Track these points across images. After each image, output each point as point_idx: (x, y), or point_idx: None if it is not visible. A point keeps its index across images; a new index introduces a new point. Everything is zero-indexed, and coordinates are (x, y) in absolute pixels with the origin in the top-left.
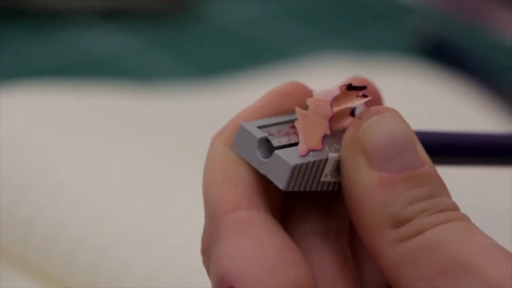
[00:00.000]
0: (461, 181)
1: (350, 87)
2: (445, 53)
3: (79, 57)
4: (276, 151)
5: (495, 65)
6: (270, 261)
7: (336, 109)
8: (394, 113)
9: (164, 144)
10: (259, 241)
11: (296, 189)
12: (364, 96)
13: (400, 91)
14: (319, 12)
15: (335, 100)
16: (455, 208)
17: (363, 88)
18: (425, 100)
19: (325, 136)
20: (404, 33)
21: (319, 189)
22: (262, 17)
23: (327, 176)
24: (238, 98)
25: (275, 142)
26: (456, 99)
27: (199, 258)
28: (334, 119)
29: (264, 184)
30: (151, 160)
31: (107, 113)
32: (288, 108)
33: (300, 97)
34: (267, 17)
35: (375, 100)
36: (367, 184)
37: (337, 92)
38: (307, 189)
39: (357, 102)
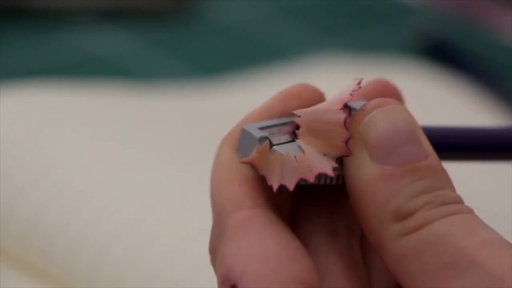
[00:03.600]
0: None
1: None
2: (445, 53)
3: (79, 57)
4: (274, 147)
5: (495, 65)
6: (272, 258)
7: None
8: (397, 105)
9: (164, 144)
10: (262, 239)
11: (302, 182)
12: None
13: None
14: (319, 12)
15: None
16: (459, 201)
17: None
18: (425, 100)
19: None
20: (404, 33)
21: (321, 182)
22: (262, 17)
23: (334, 169)
24: (238, 98)
25: (275, 140)
26: (456, 99)
27: (199, 258)
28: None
29: None
30: (151, 160)
31: (107, 113)
32: (294, 109)
33: (307, 99)
34: (267, 17)
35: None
36: (370, 178)
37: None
38: (308, 183)
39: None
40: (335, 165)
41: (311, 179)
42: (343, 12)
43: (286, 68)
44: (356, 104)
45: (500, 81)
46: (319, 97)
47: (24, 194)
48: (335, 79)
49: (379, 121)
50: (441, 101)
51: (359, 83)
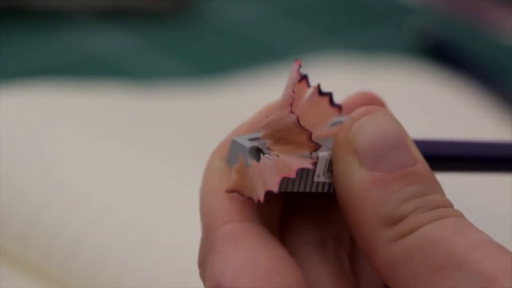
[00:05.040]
0: (459, 181)
1: (320, 93)
2: (445, 53)
3: (79, 57)
4: (265, 155)
5: (495, 65)
6: (261, 269)
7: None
8: (385, 112)
9: (164, 144)
10: (251, 252)
11: (289, 190)
12: (334, 105)
13: (400, 91)
14: (319, 12)
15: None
16: (448, 205)
17: (328, 94)
18: (425, 100)
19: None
20: (404, 33)
21: (313, 190)
22: (262, 17)
23: (320, 176)
24: (238, 98)
25: (266, 149)
26: (456, 99)
27: None
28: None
29: None
30: (151, 160)
31: (107, 113)
32: None
33: None
34: (267, 17)
35: None
36: (360, 184)
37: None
38: (300, 190)
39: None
40: (312, 160)
41: (292, 175)
42: (343, 12)
43: (286, 68)
44: (343, 119)
45: (500, 81)
46: None
47: (24, 194)
48: (335, 79)
49: (367, 128)
50: (441, 101)
51: (299, 68)
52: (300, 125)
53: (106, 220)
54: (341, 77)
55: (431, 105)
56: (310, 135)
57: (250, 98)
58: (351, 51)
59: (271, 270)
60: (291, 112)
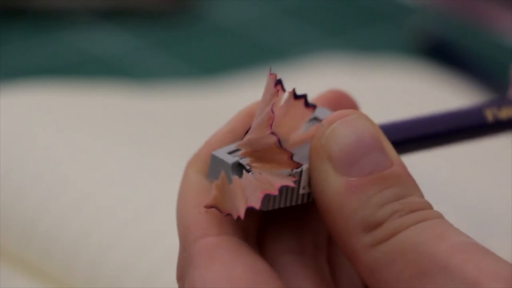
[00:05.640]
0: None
1: (296, 96)
2: (445, 53)
3: (79, 57)
4: (248, 173)
5: (495, 65)
6: (241, 283)
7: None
8: (358, 115)
9: (164, 144)
10: (230, 265)
11: (276, 207)
12: (309, 105)
13: (400, 91)
14: (319, 12)
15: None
16: (427, 206)
17: (303, 96)
18: (425, 100)
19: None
20: (404, 33)
21: (299, 202)
22: (262, 17)
23: (305, 187)
24: (238, 97)
25: (247, 165)
26: (456, 99)
27: None
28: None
29: None
30: (151, 160)
31: (107, 113)
32: None
33: None
34: (267, 17)
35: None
36: (336, 191)
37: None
38: (287, 205)
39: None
40: (294, 178)
41: (275, 192)
42: (343, 12)
43: (286, 68)
44: (321, 112)
45: (500, 81)
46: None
47: (24, 194)
48: (335, 79)
49: (340, 133)
50: (441, 101)
51: (275, 82)
52: (281, 146)
53: (106, 220)
54: (341, 77)
55: (431, 105)
56: (291, 156)
57: (250, 98)
58: (351, 51)
59: (250, 284)
60: (272, 133)
